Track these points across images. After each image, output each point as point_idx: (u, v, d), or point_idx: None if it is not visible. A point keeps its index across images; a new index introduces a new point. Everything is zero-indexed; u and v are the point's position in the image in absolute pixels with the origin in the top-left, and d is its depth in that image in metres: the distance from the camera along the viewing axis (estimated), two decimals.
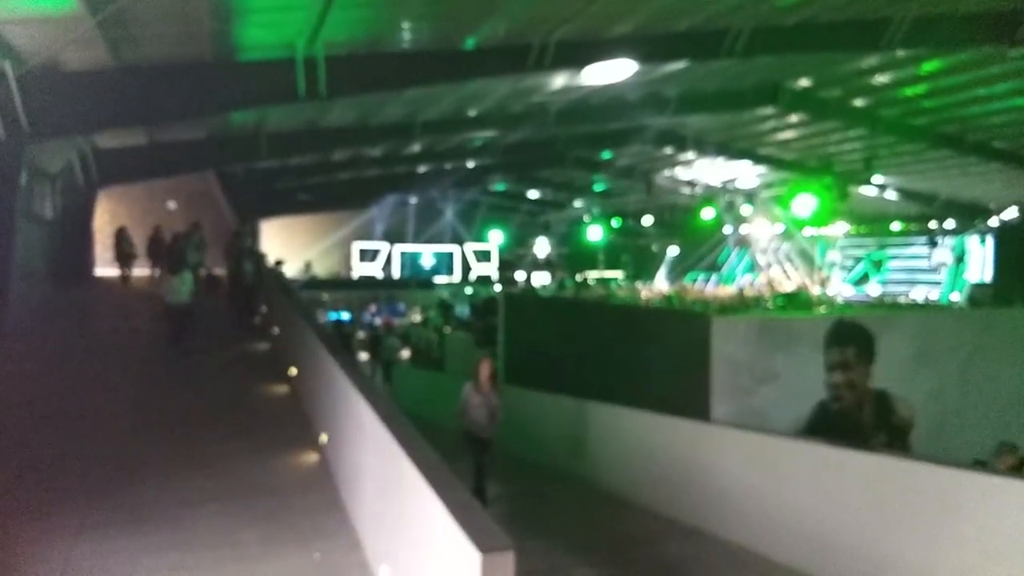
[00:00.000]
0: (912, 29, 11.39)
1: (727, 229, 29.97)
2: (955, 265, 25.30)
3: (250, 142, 15.75)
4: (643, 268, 35.16)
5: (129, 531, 4.76)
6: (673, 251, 34.45)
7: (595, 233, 31.66)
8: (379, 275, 33.69)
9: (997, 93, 14.66)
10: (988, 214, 23.40)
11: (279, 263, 18.33)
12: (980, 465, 7.43)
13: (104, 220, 18.77)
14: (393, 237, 34.24)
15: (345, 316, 26.88)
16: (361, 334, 25.08)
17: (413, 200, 33.27)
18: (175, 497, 4.93)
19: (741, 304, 10.65)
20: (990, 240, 24.16)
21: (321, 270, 32.57)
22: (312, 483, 6.62)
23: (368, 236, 33.96)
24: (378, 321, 28.04)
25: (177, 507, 4.87)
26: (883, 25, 11.42)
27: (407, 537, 4.57)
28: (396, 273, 34.07)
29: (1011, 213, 22.24)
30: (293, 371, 10.00)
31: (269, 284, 14.21)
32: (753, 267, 30.38)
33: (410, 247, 34.68)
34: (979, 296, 23.15)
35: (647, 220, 31.86)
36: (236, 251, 13.98)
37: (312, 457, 7.31)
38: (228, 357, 11.59)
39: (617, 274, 33.73)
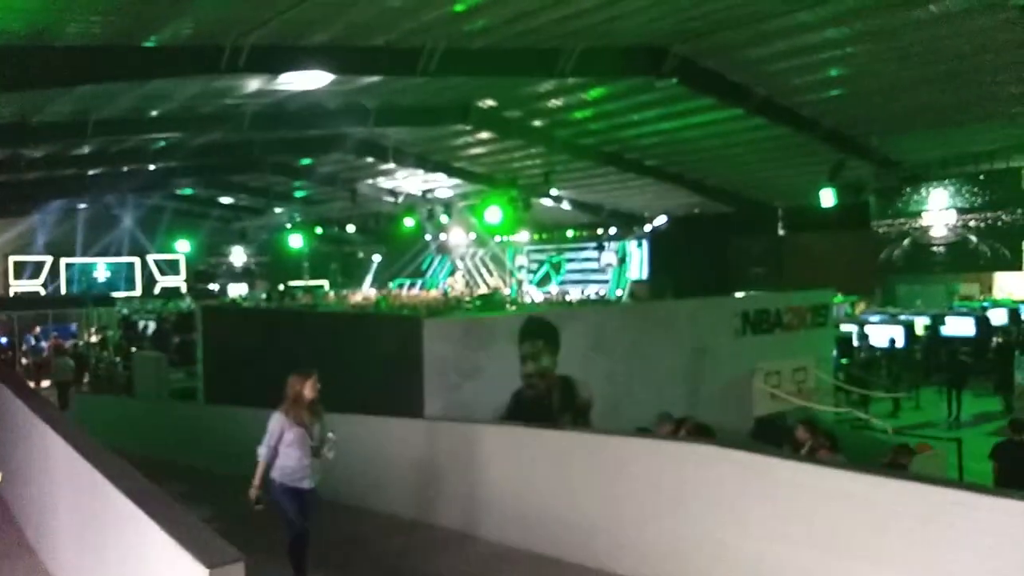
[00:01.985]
0: (580, 59, 12.98)
1: (428, 237, 31.33)
2: (619, 266, 29.30)
3: None
4: (350, 276, 35.24)
5: None
6: (378, 258, 35.00)
7: (297, 241, 30.95)
8: (42, 292, 29.32)
9: (648, 118, 17.21)
10: (644, 221, 27.45)
11: None
12: (644, 432, 8.80)
13: None
14: (58, 249, 29.93)
15: (2, 340, 23.03)
16: (24, 360, 21.76)
17: (83, 206, 29.43)
18: None
19: (445, 306, 11.36)
20: (646, 244, 28.39)
21: None
22: None
23: (27, 249, 29.35)
24: (44, 344, 24.43)
25: None
26: (556, 54, 12.88)
27: (121, 570, 4.28)
28: (63, 289, 29.88)
29: (661, 220, 26.34)
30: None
31: None
32: (453, 272, 32.17)
33: (80, 259, 30.64)
34: (638, 292, 27.21)
35: (352, 228, 31.98)
36: None
37: None
38: None
39: (323, 283, 33.36)
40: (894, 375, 16.40)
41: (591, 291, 28.91)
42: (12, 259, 29.16)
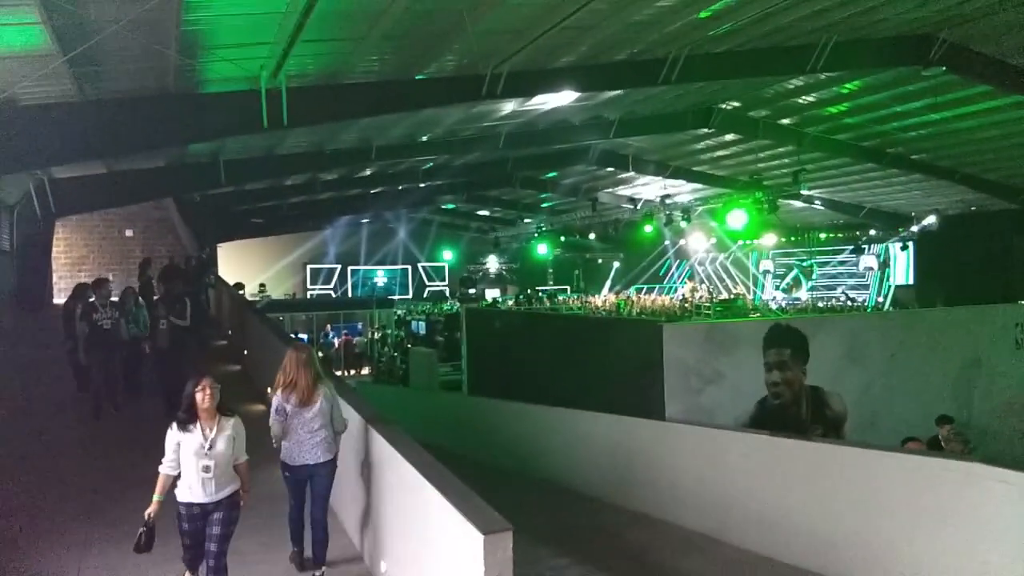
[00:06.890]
0: (833, 54, 12.31)
1: (667, 242, 31.29)
2: (880, 271, 26.88)
3: (208, 170, 16.00)
4: (590, 281, 36.40)
5: (131, 544, 5.08)
6: (617, 264, 35.68)
7: (543, 249, 32.60)
8: (333, 295, 34.03)
9: (913, 109, 15.76)
10: (909, 222, 24.92)
11: (239, 286, 18.54)
12: (912, 440, 8.23)
13: (59, 249, 18.73)
14: (346, 258, 34.63)
15: (303, 337, 27.07)
16: (319, 354, 25.31)
17: (365, 221, 33.73)
18: (168, 510, 5.13)
19: (684, 312, 11.47)
20: (911, 246, 25.76)
21: (275, 293, 32.66)
22: None
23: (321, 258, 34.28)
24: (336, 341, 28.35)
25: (173, 519, 5.16)
26: (807, 50, 12.34)
27: (405, 531, 5.03)
28: (350, 293, 34.46)
29: (930, 220, 23.79)
30: (270, 392, 10.33)
31: (236, 307, 14.42)
32: (692, 277, 31.77)
33: (363, 267, 35.11)
34: (902, 299, 24.77)
35: (592, 235, 32.90)
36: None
37: None
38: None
39: (565, 287, 34.82)
40: None
41: (843, 298, 26.91)
42: (309, 267, 34.15)
